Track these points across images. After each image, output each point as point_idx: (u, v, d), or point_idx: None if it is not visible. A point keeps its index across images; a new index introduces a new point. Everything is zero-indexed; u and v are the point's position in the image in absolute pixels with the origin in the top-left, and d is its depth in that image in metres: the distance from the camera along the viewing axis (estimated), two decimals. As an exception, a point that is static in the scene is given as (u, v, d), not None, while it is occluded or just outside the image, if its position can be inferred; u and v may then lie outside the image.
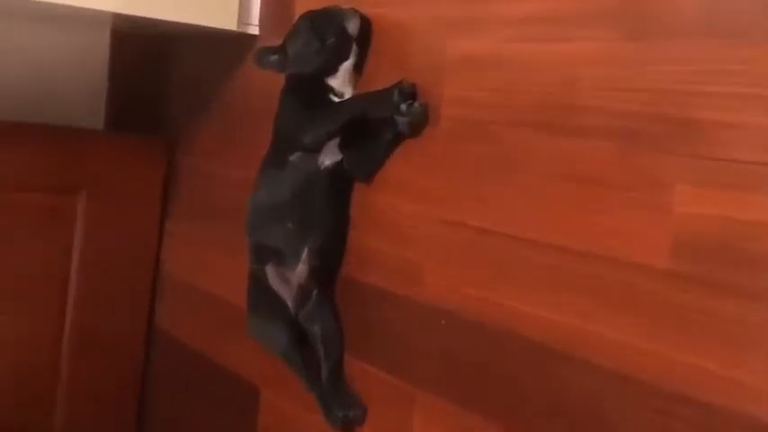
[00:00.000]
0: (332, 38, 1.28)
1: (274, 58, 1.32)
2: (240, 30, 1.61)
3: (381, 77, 1.28)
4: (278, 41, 1.40)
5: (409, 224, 1.26)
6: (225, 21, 1.58)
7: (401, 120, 1.22)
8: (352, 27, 1.29)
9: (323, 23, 1.29)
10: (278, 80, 1.44)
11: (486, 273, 1.15)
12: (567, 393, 1.04)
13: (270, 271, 1.35)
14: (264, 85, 1.55)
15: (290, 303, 1.33)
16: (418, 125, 1.23)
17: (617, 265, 1.00)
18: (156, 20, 1.50)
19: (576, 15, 1.06)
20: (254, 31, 1.63)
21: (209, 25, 1.56)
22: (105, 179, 1.82)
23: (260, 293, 1.37)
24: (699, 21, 0.94)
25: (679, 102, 0.94)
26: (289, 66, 1.32)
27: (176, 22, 1.52)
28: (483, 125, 1.16)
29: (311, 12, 1.33)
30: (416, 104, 1.21)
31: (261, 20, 1.63)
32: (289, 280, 1.33)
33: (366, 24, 1.30)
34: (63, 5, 1.37)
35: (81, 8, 1.41)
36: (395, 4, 1.31)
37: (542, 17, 1.10)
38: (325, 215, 1.32)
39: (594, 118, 1.02)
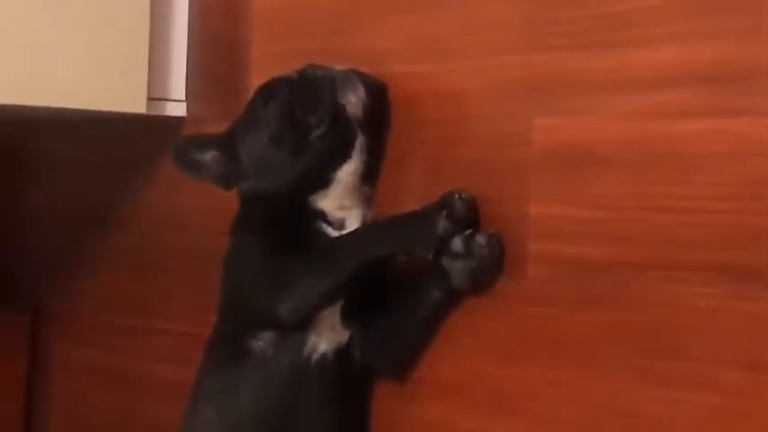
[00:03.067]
0: (319, 125, 1.00)
1: (212, 158, 1.06)
2: (152, 112, 1.26)
3: (413, 188, 1.05)
4: (220, 129, 1.13)
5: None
6: (124, 99, 1.23)
7: (454, 266, 0.96)
8: (354, 102, 1.01)
9: (302, 99, 1.02)
10: (226, 201, 1.12)
11: None
12: None
13: None
14: (194, 208, 1.29)
15: None
16: (485, 273, 0.97)
17: None
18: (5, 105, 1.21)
19: (754, 74, 0.87)
20: (179, 111, 1.29)
21: (94, 108, 1.21)
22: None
23: None
24: None
25: None
26: (243, 178, 1.05)
27: (38, 107, 1.22)
28: (606, 270, 0.93)
29: (279, 79, 1.06)
30: (480, 236, 0.96)
31: (189, 91, 1.30)
32: None
33: (378, 95, 1.04)
34: None
35: None
36: (437, 57, 1.05)
37: (698, 75, 0.89)
38: None
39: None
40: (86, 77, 1.21)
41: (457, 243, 0.94)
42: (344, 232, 1.03)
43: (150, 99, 1.25)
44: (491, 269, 0.96)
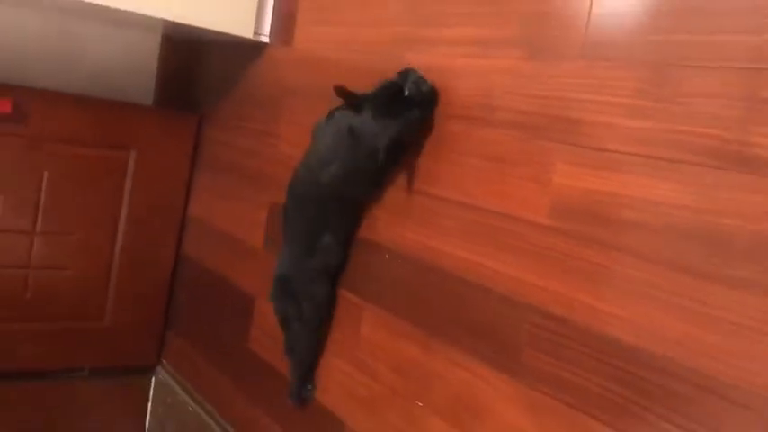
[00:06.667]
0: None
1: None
2: (255, 38, 1.82)
3: (354, 81, 1.39)
4: (283, 48, 1.64)
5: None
6: (243, 30, 1.80)
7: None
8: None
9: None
10: (278, 78, 1.68)
11: (420, 222, 1.31)
12: (468, 309, 1.21)
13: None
14: (269, 83, 1.80)
15: None
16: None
17: (511, 220, 1.13)
18: (193, 26, 1.73)
19: (494, 39, 1.20)
20: (266, 40, 1.84)
21: (231, 33, 1.78)
22: (150, 142, 2.06)
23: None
24: (578, 47, 1.08)
25: (564, 105, 1.08)
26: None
27: (207, 29, 1.75)
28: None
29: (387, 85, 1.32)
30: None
31: (271, 32, 1.84)
32: None
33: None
34: (125, 11, 1.62)
35: (138, 14, 1.64)
36: (365, 24, 1.52)
37: (470, 40, 1.25)
38: None
39: (503, 114, 1.16)
40: (230, 12, 1.70)
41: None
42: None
43: (254, 33, 1.77)
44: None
